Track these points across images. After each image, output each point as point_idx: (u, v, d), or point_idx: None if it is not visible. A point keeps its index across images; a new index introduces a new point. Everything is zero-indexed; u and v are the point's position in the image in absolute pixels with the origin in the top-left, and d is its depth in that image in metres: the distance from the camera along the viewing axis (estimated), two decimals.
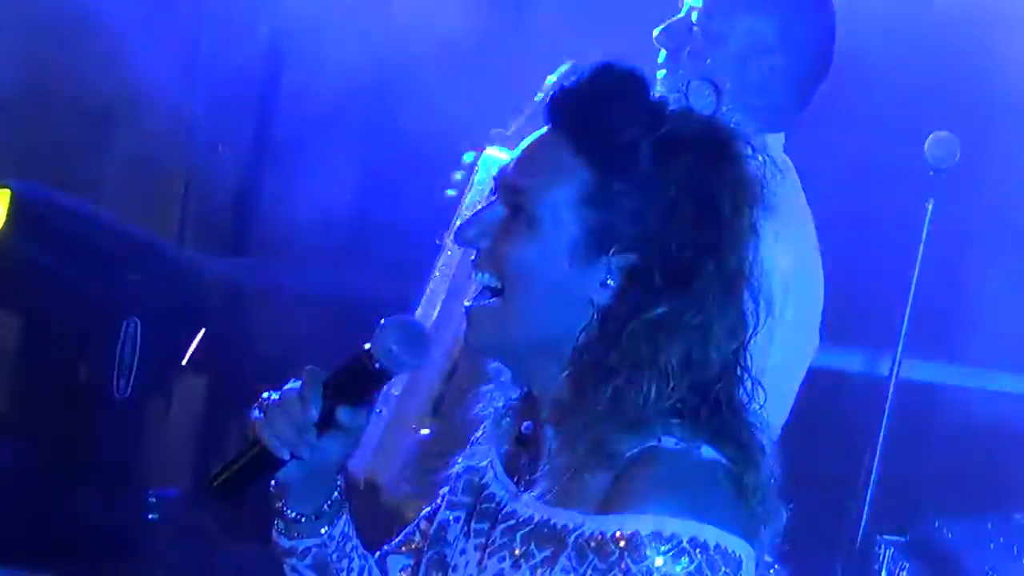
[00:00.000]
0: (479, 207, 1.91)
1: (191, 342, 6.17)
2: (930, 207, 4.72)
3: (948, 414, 6.39)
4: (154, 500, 6.03)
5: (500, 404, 2.03)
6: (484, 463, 2.01)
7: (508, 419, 2.03)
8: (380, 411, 3.96)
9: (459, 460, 2.12)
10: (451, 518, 2.02)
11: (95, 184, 6.85)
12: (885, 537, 5.22)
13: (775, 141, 3.26)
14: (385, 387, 2.56)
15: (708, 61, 3.24)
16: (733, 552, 1.63)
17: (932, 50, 6.25)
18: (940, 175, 4.55)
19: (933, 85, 6.25)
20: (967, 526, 5.21)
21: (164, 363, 6.11)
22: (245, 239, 7.29)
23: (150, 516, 5.96)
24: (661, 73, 3.32)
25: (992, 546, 5.04)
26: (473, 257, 1.86)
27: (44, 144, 7.06)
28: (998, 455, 5.96)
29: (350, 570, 2.06)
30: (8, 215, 5.98)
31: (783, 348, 2.93)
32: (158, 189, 7.20)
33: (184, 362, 6.28)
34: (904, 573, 5.09)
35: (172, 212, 7.07)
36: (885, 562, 5.14)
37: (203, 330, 6.02)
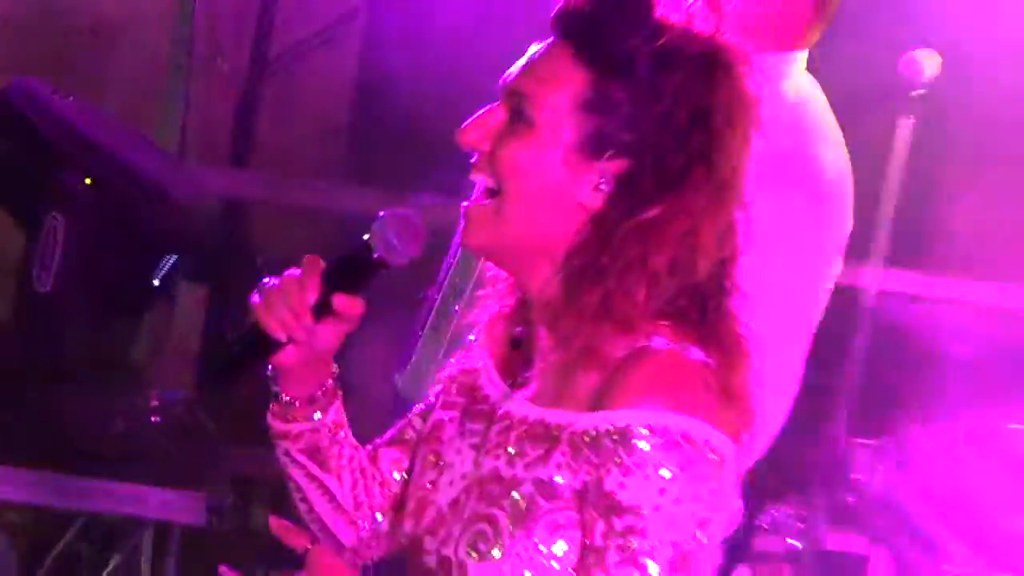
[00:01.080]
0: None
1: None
2: (906, 124, 4.74)
3: (924, 323, 6.43)
4: (157, 403, 6.02)
5: (495, 309, 2.09)
6: (478, 365, 2.09)
7: (502, 323, 2.08)
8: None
9: (452, 361, 2.24)
10: (446, 418, 2.10)
11: (95, 101, 6.79)
12: (861, 442, 5.36)
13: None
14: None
15: None
16: (719, 448, 1.70)
17: None
18: (917, 92, 4.57)
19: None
20: (940, 430, 5.34)
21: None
22: (245, 152, 7.22)
23: (153, 419, 5.95)
24: None
25: (966, 450, 5.19)
26: (473, 159, 1.92)
27: (43, 62, 6.95)
28: (974, 365, 6.01)
29: (340, 456, 2.14)
30: None
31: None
32: (158, 103, 7.11)
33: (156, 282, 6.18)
34: (879, 476, 5.25)
35: (172, 127, 7.00)
36: (861, 466, 5.31)
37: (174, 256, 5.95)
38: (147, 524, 5.71)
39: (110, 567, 5.72)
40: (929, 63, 4.45)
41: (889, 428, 5.60)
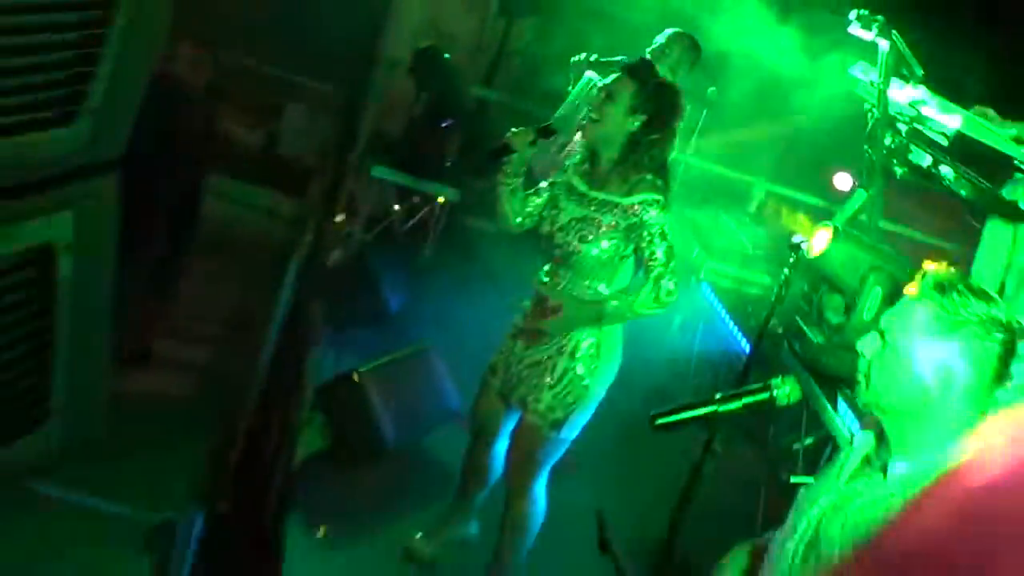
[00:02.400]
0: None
1: None
2: None
3: None
4: None
5: (576, 157, 5.18)
6: (572, 179, 5.10)
7: (581, 161, 5.11)
8: None
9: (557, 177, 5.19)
10: (560, 195, 5.09)
11: None
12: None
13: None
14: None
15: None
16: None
17: None
18: None
19: None
20: None
21: None
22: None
23: None
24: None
25: None
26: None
27: None
28: None
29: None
30: None
31: None
32: None
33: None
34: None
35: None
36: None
37: None
38: None
39: None
40: None
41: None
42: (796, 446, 6.73)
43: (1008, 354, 2.82)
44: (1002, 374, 2.83)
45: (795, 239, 5.75)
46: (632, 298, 4.81)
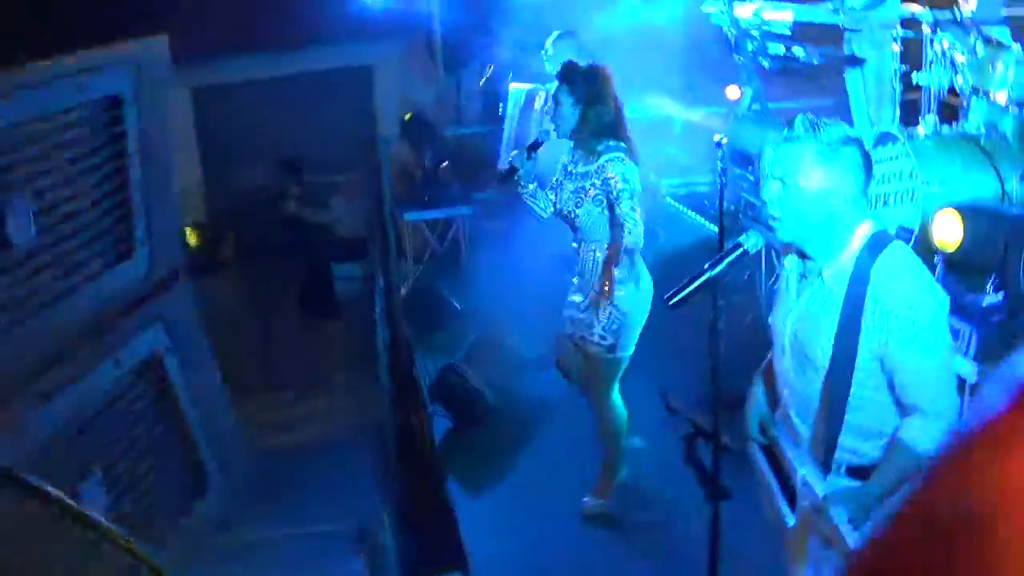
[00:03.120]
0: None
1: None
2: None
3: None
4: None
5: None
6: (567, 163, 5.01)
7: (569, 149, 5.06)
8: None
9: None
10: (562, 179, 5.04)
11: None
12: None
13: None
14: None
15: None
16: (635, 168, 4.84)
17: None
18: None
19: None
20: None
21: None
22: None
23: None
24: None
25: None
26: None
27: None
28: None
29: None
30: None
31: None
32: None
33: None
34: None
35: None
36: None
37: None
38: None
39: None
40: None
41: None
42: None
43: (867, 160, 2.90)
44: (868, 176, 2.91)
45: (715, 139, 5.58)
46: (623, 235, 4.80)
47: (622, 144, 4.92)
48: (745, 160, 7.02)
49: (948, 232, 4.76)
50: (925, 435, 2.80)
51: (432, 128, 9.31)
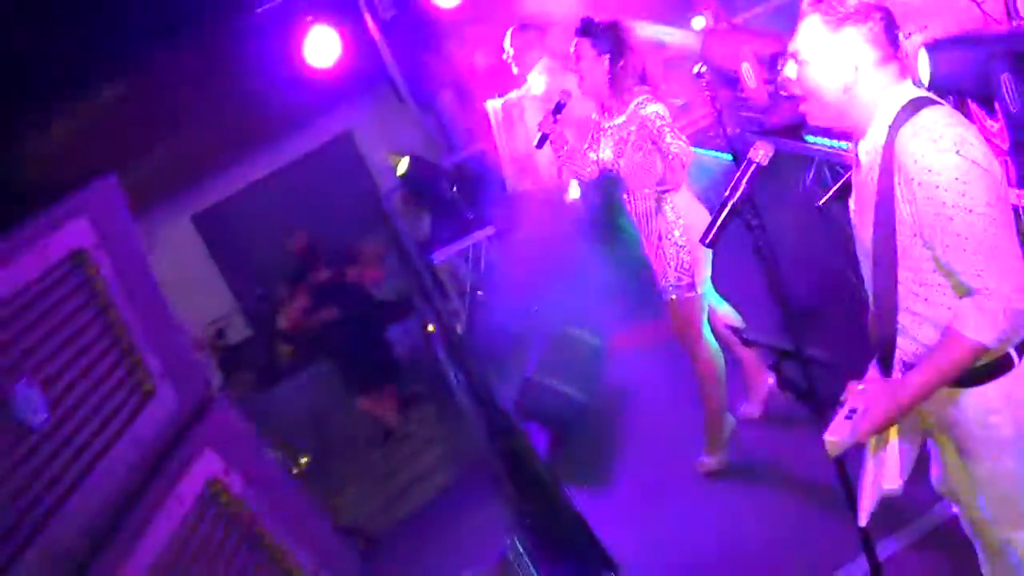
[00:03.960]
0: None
1: None
2: None
3: None
4: None
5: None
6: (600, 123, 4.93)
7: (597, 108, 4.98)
8: None
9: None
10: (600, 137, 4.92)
11: None
12: None
13: None
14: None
15: None
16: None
17: None
18: None
19: None
20: None
21: None
22: None
23: None
24: None
25: None
26: None
27: None
28: None
29: None
30: None
31: None
32: None
33: None
34: None
35: None
36: None
37: None
38: None
39: None
40: None
41: None
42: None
43: (890, 26, 2.71)
44: (893, 43, 2.71)
45: (694, 71, 5.57)
46: (677, 167, 4.75)
47: (646, 87, 4.89)
48: (730, 80, 6.85)
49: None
50: (977, 319, 2.51)
51: (430, 164, 9.23)
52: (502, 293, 8.26)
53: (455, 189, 8.89)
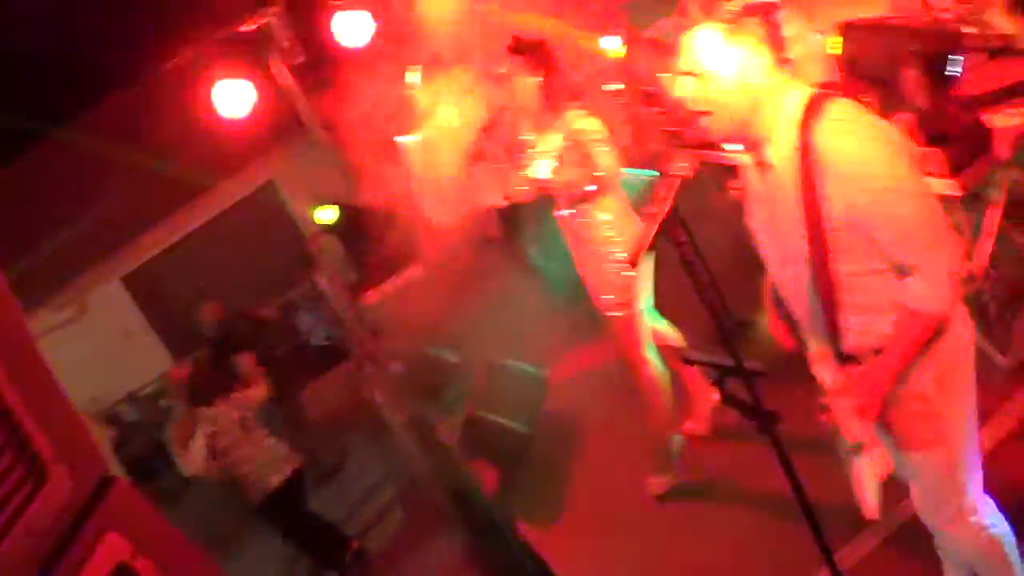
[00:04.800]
0: None
1: None
2: None
3: None
4: None
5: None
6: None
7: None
8: None
9: None
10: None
11: None
12: None
13: None
14: None
15: None
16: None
17: None
18: None
19: None
20: None
21: None
22: None
23: None
24: None
25: None
26: None
27: None
28: None
29: None
30: None
31: None
32: None
33: None
34: None
35: None
36: None
37: None
38: None
39: None
40: None
41: None
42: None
43: (776, 26, 2.90)
44: (780, 40, 2.87)
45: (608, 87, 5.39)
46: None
47: (576, 103, 4.78)
48: (648, 95, 6.75)
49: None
50: (926, 291, 2.54)
51: (359, 209, 9.05)
52: (435, 329, 8.11)
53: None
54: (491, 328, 6.94)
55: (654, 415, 4.98)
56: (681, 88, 2.71)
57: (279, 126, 9.12)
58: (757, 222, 2.87)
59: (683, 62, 2.69)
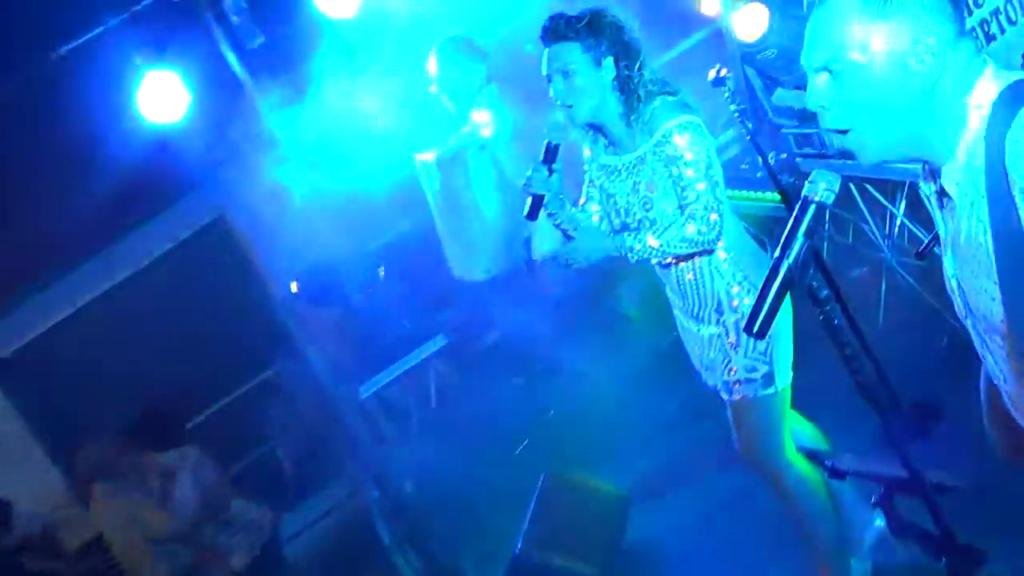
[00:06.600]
0: None
1: None
2: None
3: None
4: None
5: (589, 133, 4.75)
6: (599, 159, 4.76)
7: (597, 142, 4.76)
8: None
9: (585, 166, 4.88)
10: (600, 181, 4.78)
11: None
12: None
13: None
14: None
15: None
16: (704, 125, 4.50)
17: None
18: None
19: None
20: None
21: None
22: None
23: None
24: None
25: None
26: None
27: None
28: None
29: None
30: None
31: None
32: None
33: None
34: None
35: None
36: None
37: None
38: None
39: None
40: None
41: None
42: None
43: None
44: (959, 21, 2.53)
45: (711, 76, 5.53)
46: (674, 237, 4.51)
47: (673, 99, 4.59)
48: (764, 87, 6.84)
49: None
50: None
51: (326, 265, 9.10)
52: (465, 429, 8.11)
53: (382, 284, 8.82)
54: (549, 425, 6.98)
55: (811, 538, 4.92)
56: (813, 94, 2.65)
57: (233, 135, 9.18)
58: (947, 276, 2.79)
59: (811, 56, 2.63)
